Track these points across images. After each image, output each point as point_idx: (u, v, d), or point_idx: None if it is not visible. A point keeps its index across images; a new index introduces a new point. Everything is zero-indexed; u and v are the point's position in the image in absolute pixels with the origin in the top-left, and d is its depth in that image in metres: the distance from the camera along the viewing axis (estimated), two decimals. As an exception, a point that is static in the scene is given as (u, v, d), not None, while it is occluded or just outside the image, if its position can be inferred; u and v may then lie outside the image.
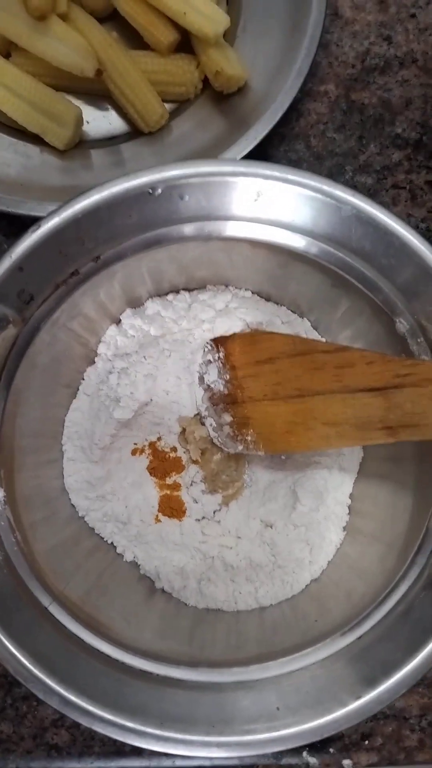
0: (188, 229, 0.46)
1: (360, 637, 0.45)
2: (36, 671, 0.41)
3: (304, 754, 0.57)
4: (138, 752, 0.56)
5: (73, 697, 0.41)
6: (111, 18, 0.61)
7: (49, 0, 0.55)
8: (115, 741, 0.55)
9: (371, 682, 0.42)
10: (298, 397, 0.50)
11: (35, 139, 0.59)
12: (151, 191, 0.44)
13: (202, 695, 0.43)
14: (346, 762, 0.58)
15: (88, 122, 0.61)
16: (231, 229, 0.46)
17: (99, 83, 0.59)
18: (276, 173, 0.45)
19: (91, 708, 0.41)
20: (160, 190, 0.44)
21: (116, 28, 0.61)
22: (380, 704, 0.42)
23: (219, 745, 0.41)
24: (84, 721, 0.40)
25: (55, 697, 0.41)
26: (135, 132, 0.62)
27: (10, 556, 0.43)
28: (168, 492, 0.55)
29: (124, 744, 0.56)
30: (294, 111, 0.63)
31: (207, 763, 0.56)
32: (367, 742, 0.58)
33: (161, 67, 0.59)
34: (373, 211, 0.45)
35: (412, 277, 0.46)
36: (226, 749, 0.41)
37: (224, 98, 0.60)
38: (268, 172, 0.45)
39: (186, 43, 0.60)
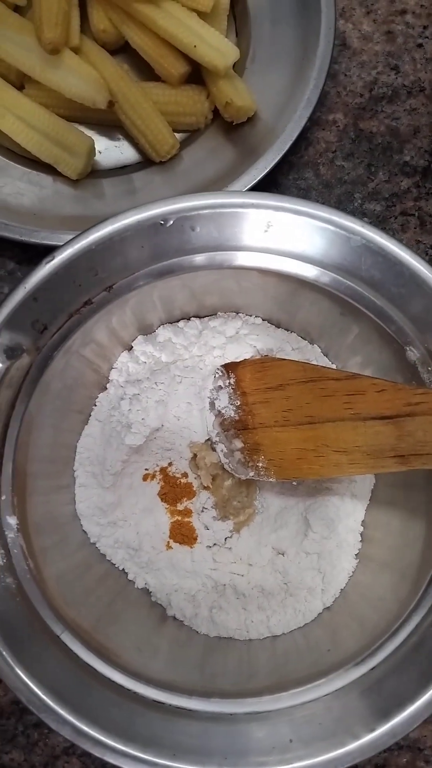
0: (199, 259, 0.46)
1: (373, 669, 0.44)
2: (48, 701, 0.41)
3: (317, 784, 0.56)
4: (149, 782, 0.56)
5: (85, 727, 0.41)
6: (122, 50, 0.62)
7: (61, 34, 0.57)
8: (126, 770, 0.55)
9: (385, 715, 0.42)
10: (309, 423, 0.50)
11: (48, 169, 0.60)
12: (162, 222, 0.45)
13: (215, 726, 0.43)
14: (360, 793, 0.57)
15: (100, 152, 0.62)
16: (242, 259, 0.47)
17: (111, 114, 0.60)
18: (286, 204, 0.45)
19: (103, 738, 0.41)
20: (171, 222, 0.45)
21: (127, 60, 0.62)
22: (394, 737, 0.42)
23: (231, 778, 0.41)
24: (96, 752, 0.40)
25: (67, 727, 0.41)
26: (146, 161, 0.63)
27: (23, 584, 0.43)
28: (179, 518, 0.55)
29: (135, 774, 0.56)
30: (303, 139, 0.63)
31: (218, 793, 0.56)
32: (380, 772, 0.57)
33: (172, 98, 0.61)
34: (383, 241, 0.46)
35: (423, 308, 0.46)
36: (239, 782, 0.41)
37: (234, 128, 0.61)
38: (278, 204, 0.45)
39: (196, 74, 0.61)
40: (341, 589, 0.53)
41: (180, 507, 0.56)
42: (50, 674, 0.42)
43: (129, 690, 0.43)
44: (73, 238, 0.44)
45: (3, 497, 0.44)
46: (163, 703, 0.43)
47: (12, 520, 0.44)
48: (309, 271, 0.47)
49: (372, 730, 0.42)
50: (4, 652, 0.41)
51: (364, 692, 0.43)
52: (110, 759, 0.41)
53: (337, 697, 0.44)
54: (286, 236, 0.46)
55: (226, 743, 0.42)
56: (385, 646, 0.45)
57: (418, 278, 0.46)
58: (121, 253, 0.45)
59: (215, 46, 0.58)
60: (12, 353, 0.43)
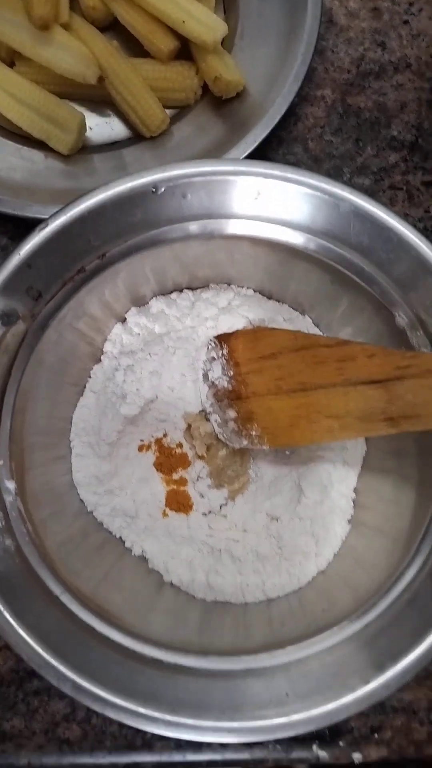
0: (191, 227, 0.47)
1: (367, 625, 0.45)
2: (49, 658, 0.41)
3: (314, 747, 0.58)
4: (149, 747, 0.57)
5: (85, 683, 0.41)
6: (112, 27, 0.63)
7: (51, 10, 0.57)
8: (126, 735, 0.56)
9: (379, 668, 0.43)
10: (301, 391, 0.51)
11: (40, 145, 0.60)
12: (154, 190, 0.45)
13: (213, 682, 0.44)
14: (356, 755, 0.58)
15: (91, 128, 0.62)
16: (232, 227, 0.47)
17: (101, 90, 0.60)
18: (276, 172, 0.46)
19: (103, 694, 0.41)
20: (163, 189, 0.45)
21: (117, 37, 0.62)
22: (388, 689, 0.43)
23: (230, 731, 0.42)
24: (96, 707, 0.41)
25: (68, 683, 0.41)
26: (136, 137, 0.63)
27: (22, 546, 0.44)
28: (174, 487, 0.56)
29: (135, 738, 0.57)
30: (292, 115, 0.64)
31: (218, 757, 0.57)
32: (376, 735, 0.58)
33: (161, 74, 0.61)
34: (371, 208, 0.46)
35: (410, 271, 0.47)
36: (237, 735, 0.42)
37: (223, 103, 0.62)
38: (268, 171, 0.46)
39: (185, 50, 0.62)
40: (335, 554, 0.54)
41: (175, 476, 0.57)
42: (50, 633, 0.43)
43: (128, 648, 0.44)
44: (66, 206, 0.45)
45: (1, 462, 0.45)
46: (162, 661, 0.44)
47: (10, 485, 0.45)
48: (298, 239, 0.47)
49: (367, 682, 0.43)
50: (4, 611, 0.42)
51: (359, 647, 0.44)
52: (111, 714, 0.41)
53: (333, 653, 0.45)
54: (275, 204, 0.46)
55: (223, 698, 0.43)
56: (379, 603, 0.46)
57: (405, 243, 0.47)
58: (114, 221, 0.45)
59: (204, 22, 0.58)
60: (8, 319, 0.44)
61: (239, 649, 0.47)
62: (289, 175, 0.46)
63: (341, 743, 0.59)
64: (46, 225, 0.44)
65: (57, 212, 0.44)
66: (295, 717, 0.42)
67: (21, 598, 0.43)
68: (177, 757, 0.57)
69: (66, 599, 0.44)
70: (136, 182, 0.45)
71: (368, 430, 0.48)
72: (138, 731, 0.57)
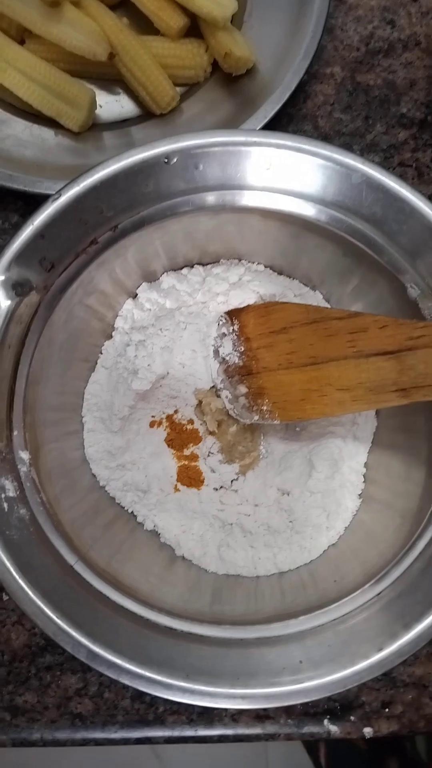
0: (203, 198, 0.47)
1: (380, 594, 0.46)
2: (64, 625, 0.42)
3: (325, 722, 0.58)
4: (161, 721, 0.57)
5: (100, 650, 0.42)
6: (121, 5, 0.63)
7: (61, -13, 0.57)
8: (138, 710, 0.57)
9: (393, 635, 0.43)
10: (313, 364, 0.51)
11: (50, 123, 0.60)
12: (166, 160, 0.45)
13: (227, 650, 0.44)
14: (367, 730, 0.58)
15: (101, 106, 0.62)
16: (245, 198, 0.47)
17: (111, 67, 0.60)
18: (288, 142, 0.46)
19: (118, 660, 0.42)
20: (175, 160, 0.45)
21: (127, 14, 0.62)
22: (401, 656, 0.43)
23: (244, 697, 0.42)
24: (111, 674, 0.41)
25: (83, 650, 0.42)
26: (146, 115, 0.63)
27: (36, 515, 0.44)
28: (186, 462, 0.56)
29: (147, 713, 0.57)
30: (301, 92, 0.64)
31: (230, 731, 0.57)
32: (387, 710, 0.59)
33: (171, 51, 0.61)
34: (383, 178, 0.46)
35: (422, 241, 0.47)
36: (251, 701, 0.42)
37: (233, 80, 0.62)
38: (280, 142, 0.46)
39: (195, 27, 0.61)
40: (345, 527, 0.54)
41: (186, 452, 0.57)
42: (65, 601, 0.43)
43: (142, 617, 0.44)
44: (79, 176, 0.45)
45: (15, 432, 0.45)
46: (175, 629, 0.45)
47: (25, 455, 0.45)
48: (310, 210, 0.47)
49: (380, 649, 0.43)
50: (19, 579, 0.42)
51: (371, 615, 0.45)
52: (126, 680, 0.42)
53: (345, 621, 0.45)
54: (287, 174, 0.46)
55: (237, 665, 0.43)
56: (391, 572, 0.46)
57: (418, 213, 0.46)
58: (127, 192, 0.46)
59: (213, -2, 0.58)
60: (21, 289, 0.44)
61: (251, 620, 0.47)
62: (302, 146, 0.46)
63: (352, 718, 0.59)
64: (60, 195, 0.44)
65: (70, 182, 0.44)
66: (309, 684, 0.43)
67: (36, 567, 0.43)
68: (189, 731, 0.57)
69: (80, 568, 0.44)
70: (149, 152, 0.45)
71: (380, 402, 0.48)
72: (150, 705, 0.57)
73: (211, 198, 0.47)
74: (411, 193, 0.46)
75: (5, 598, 0.58)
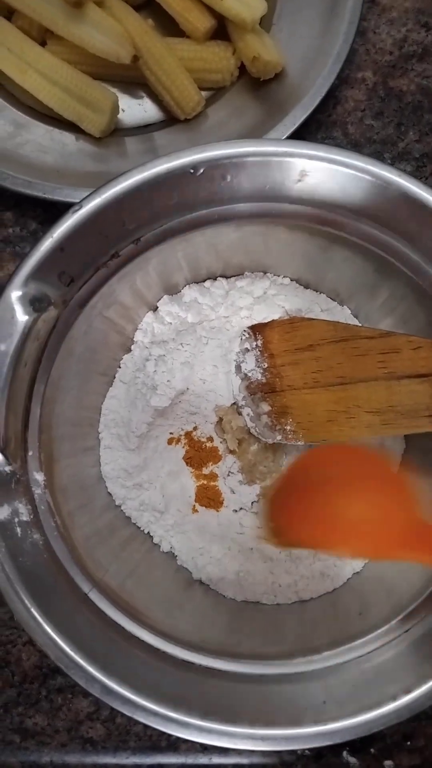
0: (230, 210, 0.45)
1: (408, 630, 0.44)
2: (77, 658, 0.40)
3: (345, 753, 0.56)
4: (174, 748, 0.55)
5: (115, 686, 0.40)
6: (146, 5, 0.61)
7: (85, -13, 0.55)
8: (151, 736, 0.55)
9: (422, 677, 0.41)
10: (340, 384, 0.49)
11: (71, 127, 0.59)
12: (192, 171, 0.43)
13: (246, 687, 0.42)
14: (388, 763, 0.56)
15: (123, 110, 0.60)
16: (275, 210, 0.45)
17: (135, 70, 0.58)
18: (321, 153, 0.44)
19: (133, 697, 0.40)
20: (202, 170, 0.43)
21: (152, 15, 0.60)
22: (431, 699, 0.41)
23: (264, 738, 0.40)
24: (126, 710, 0.40)
25: (97, 684, 0.40)
26: (170, 120, 0.61)
27: (50, 541, 0.42)
28: (205, 482, 0.54)
29: (160, 739, 0.55)
30: (331, 98, 0.62)
31: (245, 761, 0.55)
32: (409, 743, 0.56)
33: (197, 54, 0.59)
34: (421, 192, 0.44)
35: (460, 260, 0.45)
36: (272, 743, 0.40)
37: (260, 85, 0.59)
38: (313, 152, 0.44)
39: (222, 29, 0.59)
40: (371, 555, 0.52)
41: (205, 471, 0.55)
42: (79, 632, 0.41)
43: (158, 649, 0.43)
44: (101, 187, 0.43)
45: (30, 453, 0.43)
46: (193, 663, 0.43)
47: (39, 476, 0.43)
48: (342, 224, 0.45)
49: (408, 692, 0.41)
50: (32, 609, 0.40)
51: (399, 654, 0.43)
52: (140, 718, 0.40)
53: (371, 660, 0.43)
54: (319, 186, 0.44)
55: (257, 703, 0.41)
56: (419, 609, 0.44)
57: (456, 230, 0.44)
58: (150, 204, 0.44)
59: (243, 0, 0.56)
60: (39, 305, 0.42)
61: (272, 653, 0.45)
62: (335, 157, 0.43)
63: (372, 750, 0.57)
64: (80, 207, 0.42)
65: (92, 193, 0.42)
66: (332, 726, 0.41)
67: (49, 595, 0.41)
68: (202, 759, 0.55)
69: (94, 596, 0.43)
70: (175, 163, 0.43)
71: (411, 427, 0.46)
72: (163, 732, 0.56)
73: (238, 210, 0.45)
74: (450, 208, 0.44)
75: (15, 617, 0.56)
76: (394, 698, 0.41)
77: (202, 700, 0.41)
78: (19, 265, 0.42)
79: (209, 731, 0.40)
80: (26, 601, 0.40)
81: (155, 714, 0.40)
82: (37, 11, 0.56)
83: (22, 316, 0.41)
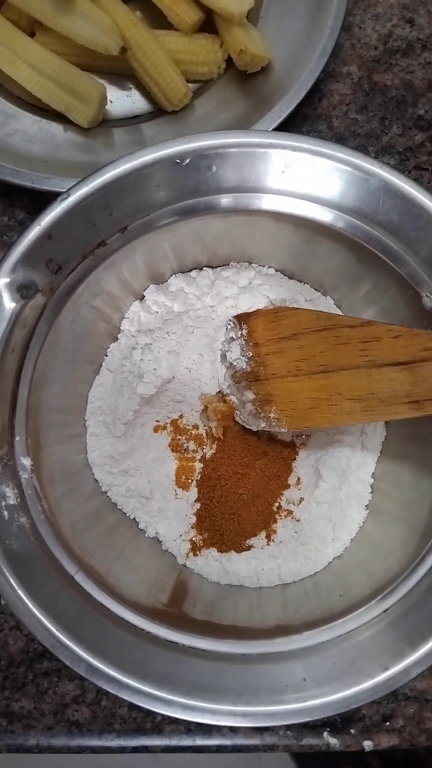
0: (216, 200, 0.46)
1: (386, 610, 0.45)
2: (63, 638, 0.41)
3: (325, 734, 0.57)
4: (158, 730, 0.56)
5: (100, 665, 0.41)
6: (135, -2, 0.61)
7: (73, -21, 0.56)
8: (136, 718, 0.56)
9: (399, 654, 0.42)
10: (323, 372, 0.50)
11: (59, 118, 0.59)
12: (179, 161, 0.44)
13: (228, 666, 0.43)
14: (367, 743, 0.57)
15: (111, 102, 0.61)
16: (259, 201, 0.46)
17: (123, 62, 0.59)
18: (304, 144, 0.45)
19: (118, 675, 0.41)
20: (188, 160, 0.44)
21: (140, 7, 0.61)
22: (407, 676, 0.42)
23: (246, 715, 0.41)
24: (111, 689, 0.40)
25: (83, 664, 0.41)
26: (157, 111, 0.62)
27: (37, 524, 0.43)
28: (184, 463, 0.55)
29: (144, 722, 0.56)
30: (317, 92, 0.63)
31: (228, 742, 0.56)
32: (388, 723, 0.58)
33: (185, 46, 0.60)
34: (402, 184, 0.45)
35: (440, 251, 0.46)
36: (253, 719, 0.41)
37: (247, 78, 0.60)
38: (297, 144, 0.45)
39: (209, 22, 0.60)
40: (351, 539, 0.53)
41: (188, 456, 0.56)
42: (65, 613, 0.42)
43: (142, 630, 0.44)
44: (88, 176, 0.43)
45: (17, 438, 0.44)
46: (176, 643, 0.44)
47: (26, 461, 0.44)
48: (326, 215, 0.46)
49: (386, 669, 0.42)
50: (19, 590, 0.41)
51: (377, 633, 0.44)
52: (125, 696, 0.41)
53: (350, 638, 0.44)
54: (303, 178, 0.45)
55: (239, 681, 0.42)
56: (398, 589, 0.45)
57: (436, 221, 0.45)
58: (137, 193, 0.44)
59: (230, -7, 0.57)
60: (26, 292, 0.42)
61: (254, 633, 0.46)
62: (319, 149, 0.44)
63: (352, 731, 0.58)
64: (68, 195, 0.43)
65: (79, 182, 0.43)
66: (313, 702, 0.42)
67: (36, 577, 0.42)
68: (186, 741, 0.56)
69: (80, 578, 0.43)
70: (161, 152, 0.44)
71: (392, 413, 0.47)
72: (148, 714, 0.57)
73: (224, 201, 0.46)
74: (430, 200, 0.45)
75: (3, 602, 0.57)
76: (371, 676, 0.42)
77: (186, 679, 0.42)
78: (7, 252, 0.42)
79: (192, 708, 0.41)
80: (13, 583, 0.41)
81: (139, 692, 0.41)
82: (26, 2, 0.57)
83: (9, 303, 0.42)
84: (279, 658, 0.44)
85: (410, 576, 0.45)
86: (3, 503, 0.42)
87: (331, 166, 0.45)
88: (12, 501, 0.42)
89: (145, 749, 0.57)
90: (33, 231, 0.42)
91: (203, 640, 0.44)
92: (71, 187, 0.43)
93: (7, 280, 0.42)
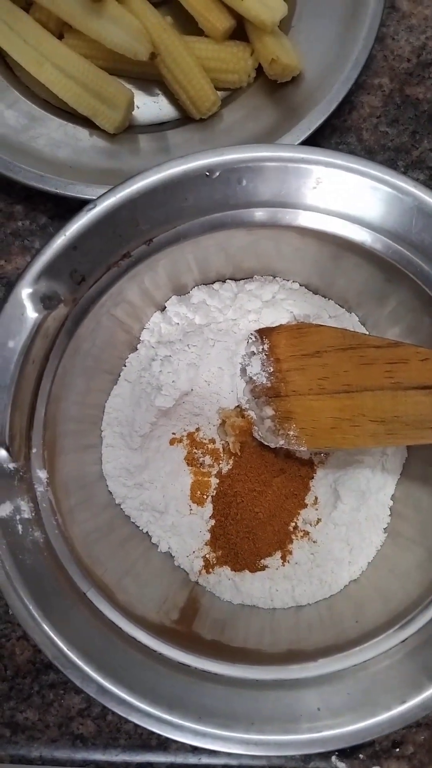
0: (244, 215, 0.45)
1: (404, 641, 0.44)
2: (74, 657, 0.40)
3: (333, 758, 0.56)
4: (164, 747, 0.55)
5: (111, 686, 0.40)
6: (166, 2, 0.60)
7: (104, -18, 0.55)
8: (141, 734, 0.55)
9: (417, 687, 0.41)
10: (346, 392, 0.49)
11: (85, 122, 0.58)
12: (208, 174, 0.43)
13: (241, 691, 0.42)
14: (376, 769, 0.56)
15: (138, 107, 0.60)
16: (289, 217, 0.45)
17: (151, 68, 0.58)
18: (338, 161, 0.44)
19: (128, 698, 0.40)
20: (218, 174, 0.43)
21: (171, 12, 0.60)
22: (426, 710, 0.41)
23: (258, 744, 0.40)
24: (121, 711, 0.40)
25: (93, 684, 0.40)
26: (184, 119, 0.61)
27: (51, 540, 0.42)
28: (200, 478, 0.54)
29: (150, 738, 0.55)
30: (347, 103, 0.61)
31: (234, 761, 0.55)
32: (398, 749, 0.57)
33: (215, 53, 0.59)
34: (436, 204, 0.44)
35: (471, 274, 0.44)
36: (265, 748, 0.40)
37: (277, 87, 0.59)
38: (329, 160, 0.44)
39: (240, 30, 0.59)
40: (369, 563, 0.52)
41: (204, 470, 0.55)
42: (76, 631, 0.41)
43: (154, 651, 0.43)
44: (116, 187, 0.42)
45: (34, 450, 0.43)
46: (188, 666, 0.43)
47: (42, 474, 0.43)
48: (357, 233, 0.45)
49: (403, 702, 0.41)
50: (30, 607, 0.40)
51: (394, 663, 0.43)
52: (135, 719, 0.40)
53: (366, 668, 0.43)
54: (335, 194, 0.44)
55: (252, 708, 0.41)
56: (416, 619, 0.44)
57: (470, 244, 0.44)
58: (164, 205, 0.43)
59: (263, 1, 0.56)
60: (49, 302, 0.42)
61: (267, 658, 0.45)
62: (352, 165, 0.43)
63: (361, 756, 0.57)
64: (95, 206, 0.42)
65: (106, 193, 0.42)
66: (326, 733, 0.41)
67: (48, 593, 0.41)
68: (192, 759, 0.56)
69: (92, 596, 0.43)
70: (191, 165, 0.43)
71: (416, 438, 0.46)
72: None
73: (253, 215, 0.45)
74: (464, 222, 0.44)
75: (11, 612, 0.56)
76: (388, 708, 0.41)
77: (198, 703, 0.41)
78: (31, 262, 0.41)
79: (204, 735, 0.40)
80: (25, 599, 0.40)
81: (149, 716, 0.40)
82: (56, 4, 0.56)
83: (32, 314, 0.41)
84: (293, 686, 0.43)
85: (430, 606, 0.44)
86: (18, 517, 0.42)
87: (364, 183, 0.44)
88: (27, 515, 0.42)
89: (149, 766, 0.56)
90: (58, 241, 0.41)
91: (216, 664, 0.43)
92: (98, 198, 0.42)
93: (30, 290, 0.41)
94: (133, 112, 0.59)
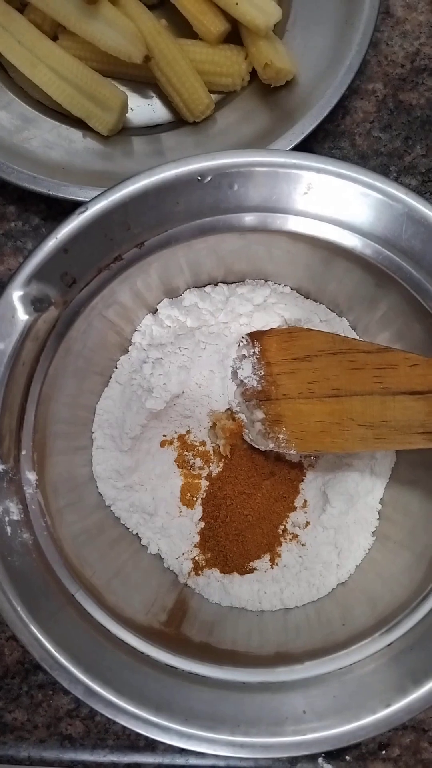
0: (235, 219, 0.45)
1: (390, 644, 0.44)
2: (62, 659, 0.40)
3: (320, 760, 0.56)
4: (152, 748, 0.56)
5: (98, 688, 0.40)
6: (160, 5, 0.61)
7: (99, -17, 0.55)
8: (129, 735, 0.55)
9: (401, 691, 0.42)
10: (335, 396, 0.49)
11: (78, 124, 0.58)
12: (200, 178, 0.43)
13: (228, 694, 0.42)
14: (362, 771, 0.57)
15: (132, 110, 0.60)
16: (280, 222, 0.45)
17: (145, 70, 0.58)
18: (329, 167, 0.44)
19: (115, 700, 0.40)
20: (209, 178, 0.43)
21: (165, 15, 0.60)
22: (410, 713, 0.41)
23: (243, 746, 0.40)
24: (108, 713, 0.40)
25: (80, 686, 0.40)
26: (178, 122, 0.61)
27: (40, 541, 0.42)
28: (190, 480, 0.54)
29: (138, 738, 0.56)
30: (340, 108, 0.62)
31: (221, 763, 0.55)
32: (384, 752, 0.57)
33: (209, 57, 0.59)
34: (426, 211, 0.44)
35: (462, 281, 0.45)
36: (251, 750, 0.40)
37: (271, 91, 0.59)
38: (321, 166, 0.44)
39: (235, 34, 0.59)
40: (357, 566, 0.52)
41: (194, 472, 0.55)
42: (64, 633, 0.41)
43: (141, 653, 0.43)
44: (108, 190, 0.43)
45: (24, 452, 0.43)
46: (176, 668, 0.43)
47: (32, 476, 0.43)
48: (348, 239, 0.45)
49: (388, 705, 0.41)
50: (19, 609, 0.41)
51: (380, 667, 0.43)
52: (122, 721, 0.40)
53: (352, 671, 0.43)
54: (326, 200, 0.44)
55: (238, 711, 0.42)
56: (403, 623, 0.44)
57: (460, 251, 0.44)
58: (156, 209, 0.44)
59: (257, 5, 0.56)
60: (40, 305, 0.42)
61: (254, 660, 0.45)
62: (343, 171, 0.44)
63: (347, 758, 0.57)
64: (86, 209, 0.42)
65: (98, 196, 0.42)
66: (312, 736, 0.41)
67: (37, 595, 0.41)
68: (179, 760, 0.56)
69: (81, 597, 0.43)
70: (183, 169, 0.43)
71: (404, 443, 0.46)
72: (142, 732, 0.56)
73: (244, 220, 0.45)
74: (454, 229, 0.44)
75: None
76: (373, 711, 0.41)
77: (184, 706, 0.41)
78: (22, 264, 0.41)
79: (190, 737, 0.40)
80: (13, 601, 0.41)
81: (137, 717, 0.40)
82: (50, 5, 0.56)
83: (22, 316, 0.41)
84: (279, 689, 0.43)
85: (416, 610, 0.44)
86: (6, 519, 0.42)
87: (355, 190, 0.44)
88: (15, 516, 0.42)
89: (137, 767, 0.56)
90: (48, 244, 0.41)
91: (203, 666, 0.43)
92: (90, 201, 0.42)
93: (21, 293, 0.41)
94: (126, 115, 0.60)
